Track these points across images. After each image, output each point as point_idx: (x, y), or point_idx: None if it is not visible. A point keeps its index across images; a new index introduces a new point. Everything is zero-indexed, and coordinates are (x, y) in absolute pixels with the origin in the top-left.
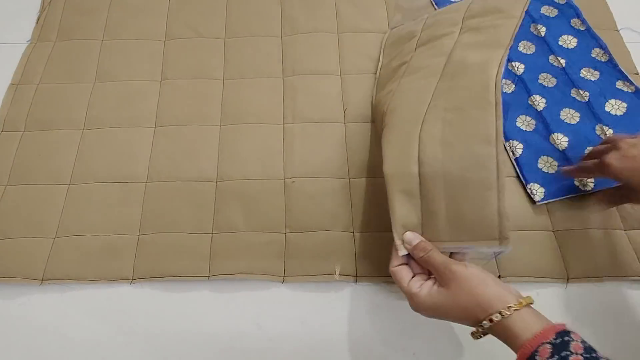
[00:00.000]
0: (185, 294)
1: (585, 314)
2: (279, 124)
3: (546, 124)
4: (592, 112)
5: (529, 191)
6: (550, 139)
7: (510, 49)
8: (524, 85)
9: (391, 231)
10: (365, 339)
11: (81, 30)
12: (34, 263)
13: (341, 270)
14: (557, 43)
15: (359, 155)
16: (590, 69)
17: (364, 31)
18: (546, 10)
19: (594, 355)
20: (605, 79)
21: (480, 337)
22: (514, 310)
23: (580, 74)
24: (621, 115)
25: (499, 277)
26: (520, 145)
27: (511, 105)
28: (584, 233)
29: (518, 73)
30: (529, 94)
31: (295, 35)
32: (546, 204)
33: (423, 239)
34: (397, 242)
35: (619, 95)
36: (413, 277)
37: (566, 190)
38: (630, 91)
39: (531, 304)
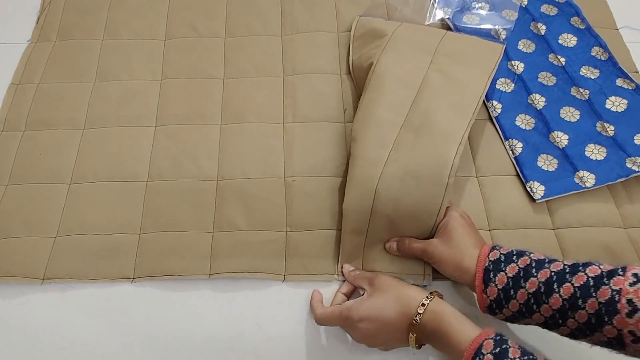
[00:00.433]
0: (186, 293)
1: None
2: (279, 123)
3: (546, 122)
4: (593, 110)
5: (528, 189)
6: (550, 137)
7: (509, 47)
8: (524, 84)
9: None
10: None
11: (81, 30)
12: (34, 262)
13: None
14: (557, 41)
15: None
16: (590, 67)
17: None
18: (546, 9)
19: (531, 357)
20: (605, 77)
21: (421, 346)
22: (436, 294)
23: (580, 72)
24: (622, 111)
25: None
26: (520, 144)
27: (511, 104)
28: (584, 231)
29: (518, 72)
30: (529, 93)
31: (295, 35)
32: (546, 202)
33: (353, 268)
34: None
35: (619, 92)
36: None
37: (566, 188)
38: (630, 88)
39: (441, 297)
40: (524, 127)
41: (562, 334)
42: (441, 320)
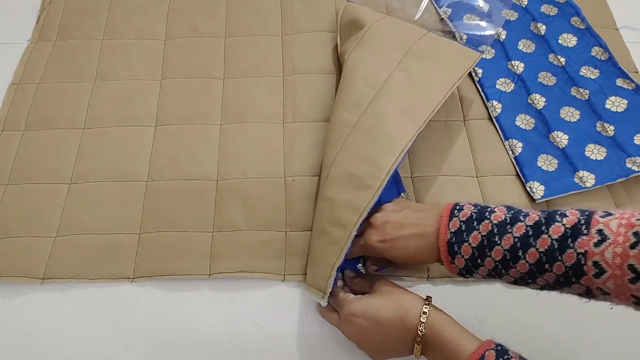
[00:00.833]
0: (186, 293)
1: (585, 313)
2: (279, 123)
3: (546, 122)
4: (593, 110)
5: (528, 189)
6: (550, 137)
7: (509, 47)
8: (524, 84)
9: None
10: None
11: (81, 30)
12: (35, 262)
13: None
14: (557, 41)
15: None
16: (590, 67)
17: None
18: (546, 9)
19: None
20: (605, 77)
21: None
22: (430, 304)
23: (580, 72)
24: (622, 111)
25: None
26: (520, 144)
27: (511, 104)
28: None
29: (517, 72)
30: (529, 93)
31: (295, 35)
32: (546, 201)
33: (354, 274)
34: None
35: (619, 92)
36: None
37: (566, 188)
38: (630, 88)
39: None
40: (524, 127)
41: (532, 289)
42: (442, 331)
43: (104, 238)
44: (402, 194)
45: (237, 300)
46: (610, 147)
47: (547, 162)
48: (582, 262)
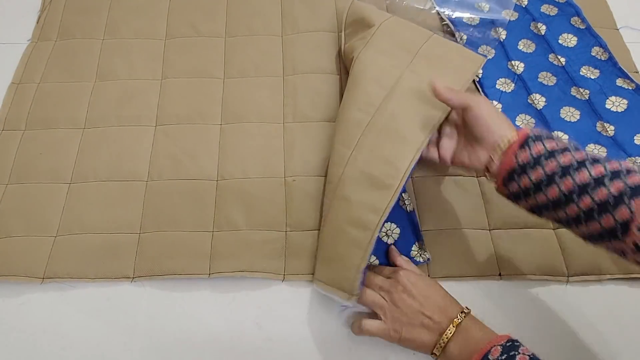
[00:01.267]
0: (186, 293)
1: (585, 313)
2: (279, 122)
3: (546, 122)
4: (593, 110)
5: None
6: None
7: (510, 47)
8: (524, 84)
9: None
10: (365, 339)
11: (82, 30)
12: (35, 261)
13: None
14: (557, 41)
15: None
16: (590, 67)
17: None
18: (546, 9)
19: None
20: (606, 77)
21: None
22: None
23: (580, 72)
24: (622, 111)
25: (500, 275)
26: None
27: (511, 104)
28: None
29: (518, 72)
30: (529, 93)
31: (295, 35)
32: None
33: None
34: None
35: (619, 92)
36: None
37: None
38: (630, 88)
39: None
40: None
41: (567, 228)
42: (474, 323)
43: (104, 238)
44: (402, 194)
45: (237, 300)
46: (610, 147)
47: None
48: (631, 219)
